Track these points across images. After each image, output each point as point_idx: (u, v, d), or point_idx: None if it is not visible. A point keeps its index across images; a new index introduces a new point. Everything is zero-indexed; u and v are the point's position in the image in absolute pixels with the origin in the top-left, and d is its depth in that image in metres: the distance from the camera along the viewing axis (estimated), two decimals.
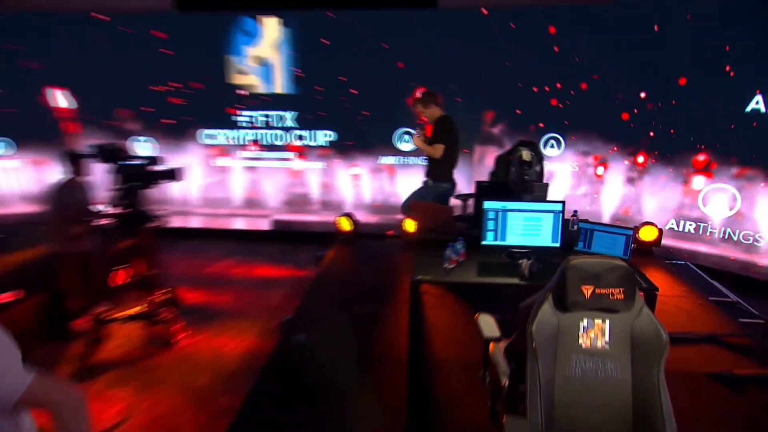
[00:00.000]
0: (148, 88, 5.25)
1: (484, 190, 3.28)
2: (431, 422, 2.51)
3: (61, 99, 5.29)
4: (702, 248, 4.84)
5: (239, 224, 5.71)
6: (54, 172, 5.29)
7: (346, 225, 4.70)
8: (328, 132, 5.32)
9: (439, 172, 4.03)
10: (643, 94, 5.12)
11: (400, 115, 5.08)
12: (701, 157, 4.84)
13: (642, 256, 4.29)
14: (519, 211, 2.85)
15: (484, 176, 4.96)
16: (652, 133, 5.16)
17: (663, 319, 1.57)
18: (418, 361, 2.90)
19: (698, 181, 4.93)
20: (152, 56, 5.13)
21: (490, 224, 2.86)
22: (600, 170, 5.50)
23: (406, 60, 5.04)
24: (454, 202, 4.10)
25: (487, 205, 2.86)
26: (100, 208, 3.59)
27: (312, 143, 5.40)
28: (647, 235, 4.32)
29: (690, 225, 4.96)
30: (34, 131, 5.39)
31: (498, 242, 2.88)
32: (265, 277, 4.73)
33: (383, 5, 4.97)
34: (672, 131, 4.99)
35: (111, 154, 3.43)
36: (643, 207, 5.27)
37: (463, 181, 4.51)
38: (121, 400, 2.89)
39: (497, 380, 2.00)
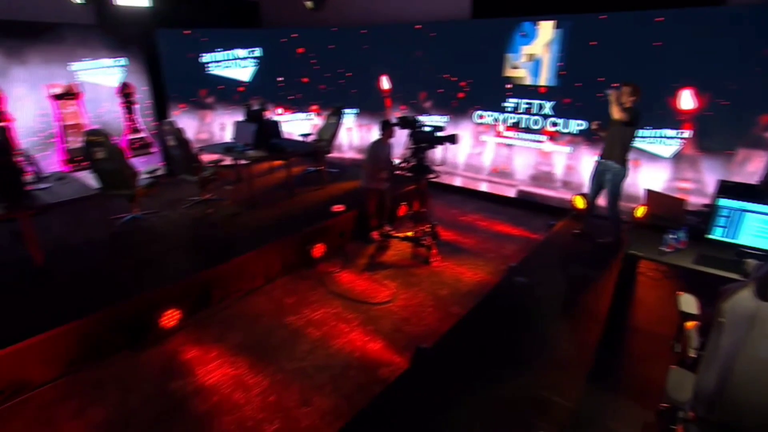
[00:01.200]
0: (441, 77, 6.82)
1: (728, 190, 3.29)
2: (612, 375, 2.98)
3: (385, 83, 7.50)
4: None
5: (491, 189, 6.92)
6: (373, 133, 7.55)
7: (580, 203, 5.20)
8: (580, 121, 5.74)
9: (619, 154, 4.26)
10: None
11: (657, 116, 5.06)
12: None
13: None
14: (760, 213, 2.89)
15: (742, 178, 4.56)
16: None
17: None
18: (614, 324, 3.38)
19: None
20: (449, 53, 6.62)
21: (721, 221, 3.01)
22: None
23: (674, 60, 4.88)
24: None
25: (723, 202, 3.00)
26: (397, 161, 5.13)
27: (564, 130, 5.94)
28: None
29: None
30: (368, 104, 7.79)
31: (726, 239, 3.00)
32: (503, 232, 5.73)
33: (663, 4, 4.88)
34: None
35: (409, 123, 4.89)
36: None
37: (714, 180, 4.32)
38: (392, 288, 4.41)
39: (685, 352, 2.28)
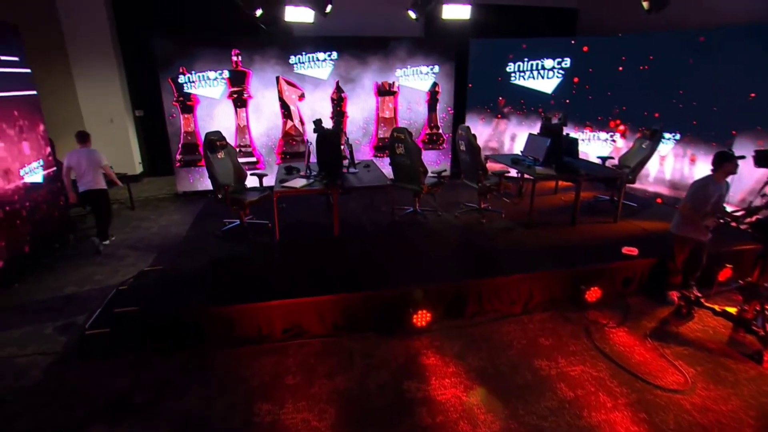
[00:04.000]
0: None
1: None
2: None
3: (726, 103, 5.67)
4: None
5: None
6: (701, 167, 5.91)
7: None
8: None
9: None
10: None
11: None
12: None
13: None
14: None
15: None
16: None
17: None
18: None
19: None
20: None
21: None
22: None
23: None
24: None
25: None
26: (732, 209, 3.75)
27: None
28: None
29: None
30: (697, 128, 6.03)
31: None
32: None
33: None
34: None
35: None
36: None
37: None
38: (688, 374, 3.24)
39: None
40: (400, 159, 5.16)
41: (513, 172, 5.65)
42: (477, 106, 8.02)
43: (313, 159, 5.20)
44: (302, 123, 7.43)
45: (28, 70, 5.02)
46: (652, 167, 6.55)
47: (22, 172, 4.76)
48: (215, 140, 4.79)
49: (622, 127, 7.07)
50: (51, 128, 6.68)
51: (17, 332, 3.79)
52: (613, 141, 7.20)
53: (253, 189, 5.09)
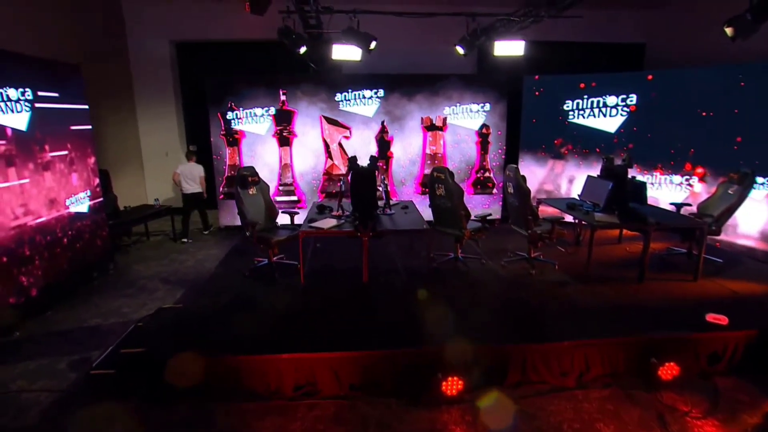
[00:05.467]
0: None
1: None
2: None
3: None
4: None
5: None
6: None
7: None
8: None
9: None
10: None
11: None
12: None
13: None
14: None
15: None
16: None
17: None
18: None
19: None
20: None
21: None
22: None
23: None
24: None
25: None
26: None
27: None
28: None
29: None
30: None
31: None
32: None
33: None
34: None
35: None
36: None
37: None
38: None
39: None
40: (440, 201, 4.75)
41: (569, 218, 5.03)
42: (531, 146, 7.50)
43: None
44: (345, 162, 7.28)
45: (86, 107, 5.27)
46: (741, 217, 5.61)
47: (68, 202, 4.89)
48: (247, 176, 4.68)
49: (700, 170, 6.22)
50: (111, 160, 7.04)
51: (33, 364, 3.70)
52: (690, 185, 6.34)
53: (284, 227, 4.89)
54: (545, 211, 5.20)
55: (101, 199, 5.56)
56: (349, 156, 4.79)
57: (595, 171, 5.78)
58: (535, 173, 7.44)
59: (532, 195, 4.85)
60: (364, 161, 4.74)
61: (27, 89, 4.36)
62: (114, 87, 7.51)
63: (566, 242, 5.55)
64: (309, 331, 3.51)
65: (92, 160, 5.39)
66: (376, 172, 4.63)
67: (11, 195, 4.13)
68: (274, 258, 4.79)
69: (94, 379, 3.41)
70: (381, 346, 3.28)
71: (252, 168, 4.86)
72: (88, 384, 3.38)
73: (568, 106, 7.19)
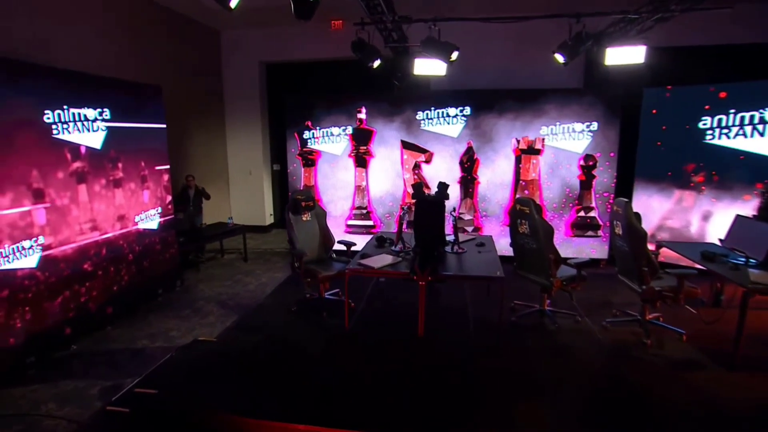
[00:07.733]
0: None
1: None
2: None
3: None
4: None
5: None
6: None
7: None
8: None
9: None
10: None
11: None
12: None
13: None
14: None
15: None
16: None
17: None
18: None
19: None
20: None
21: None
22: None
23: None
24: None
25: None
26: None
27: None
28: None
29: None
30: None
31: None
32: None
33: None
34: None
35: None
36: None
37: None
38: None
39: None
40: (523, 240, 3.82)
41: (704, 270, 3.72)
42: (651, 174, 6.07)
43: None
44: (427, 188, 6.56)
45: (163, 125, 5.37)
46: None
47: (137, 218, 4.94)
48: (301, 200, 4.25)
49: None
50: (200, 178, 7.27)
51: (70, 385, 3.58)
52: None
53: (340, 259, 4.34)
54: (668, 254, 3.93)
55: (172, 216, 5.60)
56: (414, 183, 4.12)
57: (747, 209, 4.33)
58: (654, 208, 6.00)
59: (649, 235, 3.67)
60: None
61: (105, 109, 4.48)
62: (207, 107, 7.85)
63: (700, 302, 4.17)
64: (336, 396, 2.86)
65: (166, 177, 5.46)
66: (446, 201, 3.88)
67: (80, 211, 4.20)
68: (326, 293, 4.26)
69: (109, 415, 3.15)
70: (419, 427, 2.49)
71: (308, 192, 4.45)
72: (104, 420, 3.12)
73: (704, 123, 5.69)
